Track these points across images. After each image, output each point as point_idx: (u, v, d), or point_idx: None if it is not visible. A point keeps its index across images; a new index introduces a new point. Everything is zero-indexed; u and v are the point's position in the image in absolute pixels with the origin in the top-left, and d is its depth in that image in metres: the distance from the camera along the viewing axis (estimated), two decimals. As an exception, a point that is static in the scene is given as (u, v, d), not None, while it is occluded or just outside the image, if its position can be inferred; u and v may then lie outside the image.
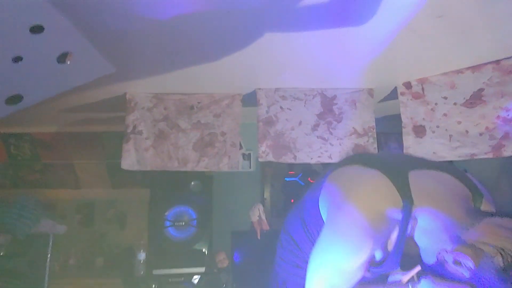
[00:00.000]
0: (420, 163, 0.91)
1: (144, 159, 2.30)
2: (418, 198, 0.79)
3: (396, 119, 2.24)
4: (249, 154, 3.14)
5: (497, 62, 1.90)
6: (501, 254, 0.69)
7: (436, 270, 0.79)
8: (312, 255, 0.86)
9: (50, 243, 2.14)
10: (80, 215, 3.52)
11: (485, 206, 0.85)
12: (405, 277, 1.14)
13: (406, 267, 0.89)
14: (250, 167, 3.14)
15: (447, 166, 0.92)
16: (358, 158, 0.97)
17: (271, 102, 2.31)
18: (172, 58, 1.98)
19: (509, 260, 0.68)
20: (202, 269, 2.27)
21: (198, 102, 2.39)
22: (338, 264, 0.81)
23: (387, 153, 0.95)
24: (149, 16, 1.52)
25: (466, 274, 0.72)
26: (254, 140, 2.30)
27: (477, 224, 0.75)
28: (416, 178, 0.83)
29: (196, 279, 2.25)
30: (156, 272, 2.24)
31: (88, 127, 3.33)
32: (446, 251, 0.75)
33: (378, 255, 0.86)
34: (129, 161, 2.29)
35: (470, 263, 0.71)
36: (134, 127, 2.34)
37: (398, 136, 2.24)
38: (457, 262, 0.73)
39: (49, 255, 2.15)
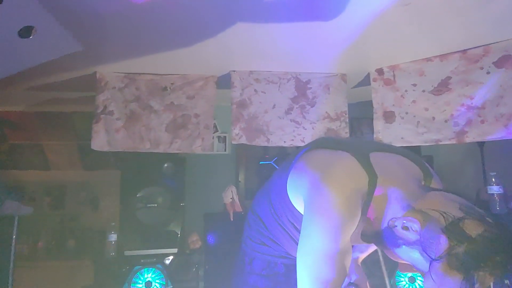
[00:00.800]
0: (378, 147, 0.97)
1: (115, 140, 2.26)
2: (379, 176, 0.86)
3: (368, 105, 2.29)
4: (225, 137, 3.13)
5: (464, 51, 1.96)
6: (443, 216, 0.75)
7: (385, 235, 0.85)
8: (298, 245, 0.88)
9: (15, 225, 2.08)
10: (50, 198, 3.44)
11: (434, 185, 0.93)
12: (362, 256, 1.20)
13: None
14: (225, 150, 3.13)
15: (402, 150, 0.99)
16: (325, 141, 1.00)
17: (245, 84, 2.30)
18: (145, 41, 1.93)
19: (449, 220, 0.74)
20: (175, 250, 2.28)
21: (171, 83, 2.34)
22: (322, 249, 0.83)
23: (349, 138, 1.00)
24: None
25: (413, 237, 0.78)
26: (229, 122, 2.29)
27: (426, 195, 0.83)
28: (375, 159, 0.89)
29: (168, 260, 2.27)
30: (128, 253, 2.23)
31: (58, 107, 3.21)
32: (396, 218, 0.82)
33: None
34: (99, 142, 2.24)
35: (416, 226, 0.78)
36: (105, 107, 2.27)
37: (370, 122, 2.30)
38: (405, 227, 0.79)
39: (14, 237, 2.10)
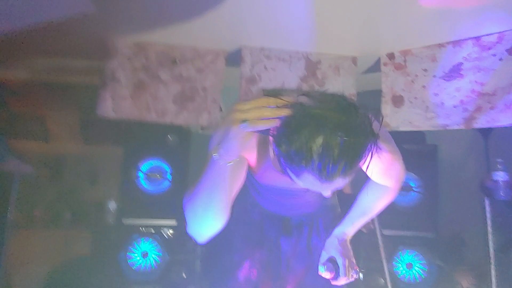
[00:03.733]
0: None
1: (120, 108, 2.23)
2: None
3: (376, 94, 2.27)
4: (229, 118, 3.12)
5: (478, 38, 1.96)
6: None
7: None
8: None
9: (16, 186, 2.05)
10: (48, 169, 3.40)
11: None
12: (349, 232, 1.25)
13: None
14: (228, 131, 3.12)
15: None
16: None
17: (256, 60, 2.28)
18: (157, 8, 1.91)
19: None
20: (174, 222, 2.26)
21: (181, 55, 2.32)
22: None
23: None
24: None
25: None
26: (234, 104, 2.24)
27: None
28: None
29: (167, 231, 2.25)
30: (126, 221, 2.21)
31: (62, 77, 3.17)
32: None
33: None
34: (105, 108, 2.22)
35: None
36: (113, 74, 2.25)
37: (376, 112, 2.28)
38: None
39: (11, 199, 2.07)
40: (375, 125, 0.78)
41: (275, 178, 1.04)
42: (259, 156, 1.02)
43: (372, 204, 1.17)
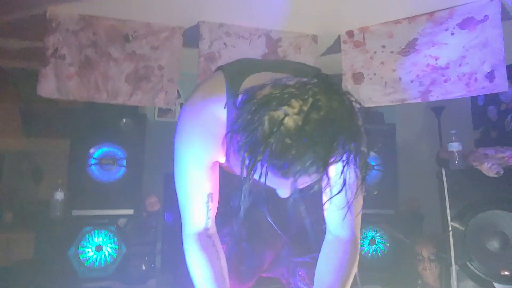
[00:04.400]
0: (262, 67, 0.91)
1: (66, 88, 2.02)
2: None
3: (336, 79, 2.27)
4: (188, 104, 2.99)
5: (431, 13, 2.03)
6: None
7: None
8: None
9: None
10: (-16, 167, 3.04)
11: None
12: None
13: None
14: (187, 118, 2.99)
15: (293, 68, 0.92)
16: (225, 64, 0.99)
17: (215, 37, 2.19)
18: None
19: None
20: (130, 211, 2.09)
21: (134, 32, 2.16)
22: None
23: (262, 60, 0.97)
24: None
25: None
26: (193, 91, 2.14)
27: None
28: (252, 79, 0.85)
29: (123, 221, 2.07)
30: (76, 213, 2.00)
31: (-4, 61, 2.85)
32: None
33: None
34: (47, 88, 2.00)
35: None
36: (55, 50, 2.03)
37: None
38: None
39: None
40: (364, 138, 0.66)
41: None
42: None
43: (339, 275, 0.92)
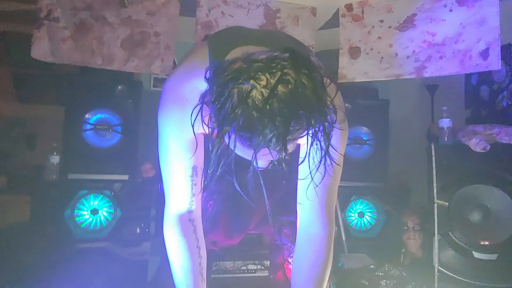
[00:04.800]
0: (248, 39, 0.88)
1: (60, 51, 2.00)
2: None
3: (332, 55, 2.27)
4: (183, 74, 2.97)
5: (431, -12, 2.02)
6: None
7: None
8: None
9: None
10: (-22, 133, 3.02)
11: None
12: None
13: None
14: (183, 89, 2.98)
15: (279, 44, 0.89)
16: (213, 33, 1.00)
17: (212, 5, 2.15)
18: None
19: None
20: (125, 177, 2.13)
21: (130, -4, 2.12)
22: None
23: (253, 30, 0.95)
24: None
25: None
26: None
27: None
28: (235, 52, 0.82)
29: (117, 186, 2.11)
30: (72, 176, 2.03)
31: (-13, 23, 2.78)
32: None
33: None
34: (41, 50, 1.97)
35: None
36: (49, 12, 1.99)
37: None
38: None
39: None
40: (337, 99, 0.66)
41: None
42: None
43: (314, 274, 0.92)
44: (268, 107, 0.60)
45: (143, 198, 2.18)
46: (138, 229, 2.12)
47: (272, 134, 0.60)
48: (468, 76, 2.59)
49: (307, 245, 0.93)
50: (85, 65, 2.03)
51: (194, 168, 0.89)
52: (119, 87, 2.18)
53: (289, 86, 0.61)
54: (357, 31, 2.21)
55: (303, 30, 2.27)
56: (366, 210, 2.42)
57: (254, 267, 1.93)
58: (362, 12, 2.20)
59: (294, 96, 0.61)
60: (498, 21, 1.86)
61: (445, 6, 1.97)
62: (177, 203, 0.91)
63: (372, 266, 2.06)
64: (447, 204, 1.91)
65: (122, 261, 2.05)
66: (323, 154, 0.65)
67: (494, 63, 1.86)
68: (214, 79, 0.65)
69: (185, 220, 0.92)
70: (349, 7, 2.24)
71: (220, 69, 0.65)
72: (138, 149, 2.22)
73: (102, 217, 2.10)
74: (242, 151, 0.67)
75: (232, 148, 0.66)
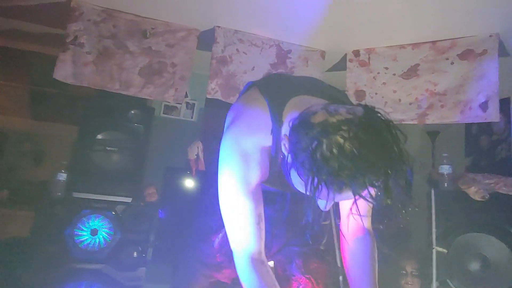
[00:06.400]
0: (298, 89, 0.96)
1: (81, 74, 2.11)
2: (289, 117, 0.87)
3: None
4: (193, 104, 3.08)
5: (434, 42, 2.15)
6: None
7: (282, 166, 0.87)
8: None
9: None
10: (-14, 145, 3.09)
11: None
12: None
13: None
14: (192, 117, 3.08)
15: (324, 92, 0.99)
16: (259, 82, 1.03)
17: (228, 42, 2.29)
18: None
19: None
20: (129, 200, 2.15)
21: (152, 28, 2.26)
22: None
23: (293, 78, 1.05)
24: None
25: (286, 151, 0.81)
26: (200, 91, 2.24)
27: None
28: (292, 103, 0.92)
29: (120, 208, 2.13)
30: (77, 195, 2.06)
31: (15, 42, 2.93)
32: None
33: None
34: (63, 72, 2.08)
35: (285, 137, 0.81)
36: (75, 37, 2.13)
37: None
38: (283, 144, 0.82)
39: None
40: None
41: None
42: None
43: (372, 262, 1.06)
44: (358, 157, 0.67)
45: (143, 222, 2.20)
46: (135, 253, 2.12)
47: (361, 180, 0.67)
48: (468, 124, 2.67)
49: (364, 241, 1.07)
50: (103, 88, 2.14)
51: (260, 216, 0.93)
52: (132, 112, 2.27)
53: (373, 138, 0.69)
54: (363, 76, 2.32)
55: (311, 70, 2.39)
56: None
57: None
58: (369, 58, 2.33)
59: (377, 147, 0.69)
60: (497, 76, 1.97)
61: (447, 59, 2.09)
62: (247, 245, 0.93)
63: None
64: (446, 251, 1.92)
65: (117, 285, 2.02)
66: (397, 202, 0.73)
67: (493, 115, 1.94)
68: (298, 129, 0.72)
69: (259, 263, 0.94)
70: (356, 53, 2.37)
71: (304, 122, 0.73)
72: (144, 173, 2.27)
73: (101, 237, 2.11)
74: (323, 194, 0.71)
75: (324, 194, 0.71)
